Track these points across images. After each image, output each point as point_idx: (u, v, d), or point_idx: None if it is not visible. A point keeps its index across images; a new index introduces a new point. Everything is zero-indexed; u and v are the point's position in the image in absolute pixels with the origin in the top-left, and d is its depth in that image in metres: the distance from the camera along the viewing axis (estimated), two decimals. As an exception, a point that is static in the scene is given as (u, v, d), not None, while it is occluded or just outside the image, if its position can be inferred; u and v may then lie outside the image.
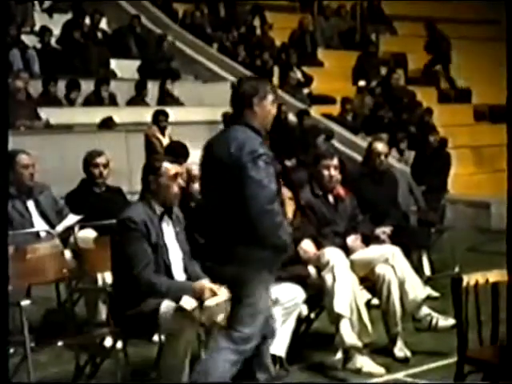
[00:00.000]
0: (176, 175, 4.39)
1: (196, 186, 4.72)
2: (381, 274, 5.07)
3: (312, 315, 5.20)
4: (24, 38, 11.45)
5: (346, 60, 14.26)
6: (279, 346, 4.75)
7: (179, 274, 4.37)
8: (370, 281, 5.13)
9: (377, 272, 5.09)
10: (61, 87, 10.51)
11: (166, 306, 4.12)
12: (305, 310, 5.12)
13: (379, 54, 14.74)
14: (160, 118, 9.77)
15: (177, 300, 4.09)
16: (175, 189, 4.38)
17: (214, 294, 4.15)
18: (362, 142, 11.47)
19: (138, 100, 11.17)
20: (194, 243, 4.54)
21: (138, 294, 4.19)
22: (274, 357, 4.74)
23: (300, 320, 5.02)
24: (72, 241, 5.44)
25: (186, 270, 4.41)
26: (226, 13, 14.11)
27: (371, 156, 6.60)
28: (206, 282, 4.22)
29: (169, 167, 4.38)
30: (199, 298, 4.14)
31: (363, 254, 5.23)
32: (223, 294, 4.15)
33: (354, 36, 15.27)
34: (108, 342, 4.78)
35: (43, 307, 5.32)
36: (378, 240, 5.68)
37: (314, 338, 5.29)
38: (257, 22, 14.26)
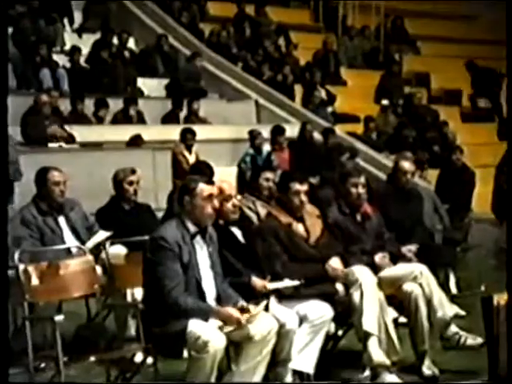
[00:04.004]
0: (211, 196, 4.43)
1: (229, 204, 4.78)
2: (408, 291, 5.08)
3: (340, 332, 5.22)
4: (54, 57, 11.62)
5: (369, 79, 14.34)
6: (307, 362, 4.78)
7: (210, 294, 4.41)
8: (397, 299, 5.15)
9: (404, 290, 5.11)
10: (89, 105, 10.66)
11: (194, 323, 4.18)
12: (332, 327, 5.15)
13: (402, 74, 14.81)
14: (187, 137, 9.90)
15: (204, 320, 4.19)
16: (209, 210, 4.42)
17: (239, 322, 4.22)
18: (385, 160, 11.53)
19: (172, 117, 11.28)
20: (225, 262, 4.61)
21: (167, 313, 4.25)
22: (301, 373, 4.80)
23: (328, 337, 5.05)
24: (103, 257, 5.52)
25: (217, 290, 4.46)
26: (252, 33, 14.24)
27: (397, 174, 6.63)
28: (232, 310, 4.27)
29: (204, 188, 4.41)
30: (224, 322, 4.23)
31: (391, 271, 5.25)
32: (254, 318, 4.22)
33: (378, 56, 15.34)
34: (138, 357, 4.84)
35: (72, 322, 5.37)
36: (404, 258, 5.71)
37: (342, 355, 5.31)
38: (282, 42, 14.38)
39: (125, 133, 10.08)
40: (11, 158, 6.88)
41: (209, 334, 4.12)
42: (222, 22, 14.01)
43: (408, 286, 5.10)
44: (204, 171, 6.67)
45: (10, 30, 11.49)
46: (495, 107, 14.66)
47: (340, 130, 12.18)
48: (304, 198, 5.11)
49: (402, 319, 5.25)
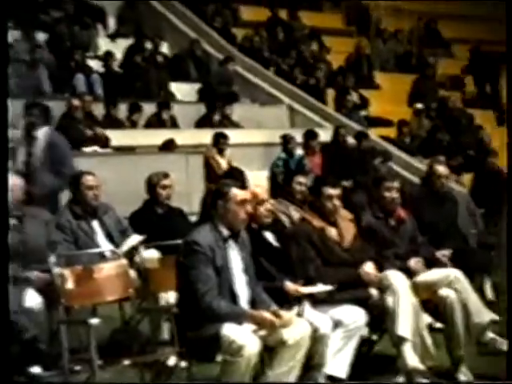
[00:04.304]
0: (244, 201, 4.44)
1: (262, 208, 4.79)
2: (444, 296, 5.05)
3: (374, 337, 5.20)
4: (89, 62, 11.74)
5: (402, 83, 14.28)
6: (340, 367, 4.77)
7: (244, 298, 4.42)
8: (432, 304, 5.12)
9: (440, 295, 5.07)
10: (123, 110, 10.74)
11: (228, 327, 4.18)
12: (366, 332, 5.13)
13: (436, 77, 14.72)
14: (220, 141, 9.93)
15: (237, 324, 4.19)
16: (243, 214, 4.43)
17: (271, 324, 4.22)
18: (419, 164, 11.46)
19: (205, 121, 11.34)
20: (258, 266, 4.61)
21: (200, 317, 4.25)
22: (334, 378, 4.78)
23: (362, 341, 5.02)
24: (137, 260, 5.55)
25: (250, 294, 4.45)
26: (285, 37, 14.25)
27: (432, 178, 6.60)
28: (265, 313, 4.27)
29: (237, 193, 4.43)
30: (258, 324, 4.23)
31: (426, 276, 5.22)
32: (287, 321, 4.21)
33: (411, 59, 15.27)
34: (172, 360, 4.86)
35: (107, 326, 5.42)
36: (439, 263, 5.67)
37: (375, 359, 5.29)
38: (315, 46, 14.37)
39: (158, 137, 10.13)
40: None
41: (244, 337, 4.12)
42: (254, 27, 14.04)
43: (443, 291, 5.07)
44: (237, 177, 6.70)
45: (46, 35, 11.64)
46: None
47: (373, 133, 12.14)
48: (337, 202, 5.11)
49: (438, 324, 5.21)
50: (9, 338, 3.55)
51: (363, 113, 13.10)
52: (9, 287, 4.09)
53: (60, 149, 6.90)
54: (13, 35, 11.29)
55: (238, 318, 4.25)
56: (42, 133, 6.89)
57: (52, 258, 5.09)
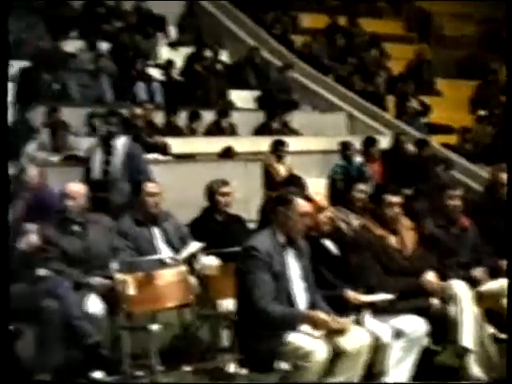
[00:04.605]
0: (306, 213, 4.43)
1: (322, 216, 4.76)
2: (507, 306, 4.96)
3: (435, 348, 5.12)
4: (150, 70, 11.89)
5: (463, 89, 14.08)
6: (400, 377, 4.71)
7: (302, 305, 4.40)
8: (496, 314, 5.02)
9: (504, 305, 4.98)
10: (183, 117, 10.83)
11: (295, 335, 4.16)
12: (427, 342, 5.05)
13: (499, 82, 14.46)
14: (279, 148, 9.92)
15: (293, 328, 4.16)
16: (301, 225, 4.42)
17: (327, 325, 4.19)
18: (481, 171, 11.28)
19: (265, 128, 11.37)
20: (317, 274, 4.58)
21: (258, 324, 4.24)
22: (395, 388, 4.73)
23: (423, 352, 4.95)
24: (197, 267, 5.58)
25: (309, 302, 4.43)
26: (345, 43, 14.19)
27: (496, 186, 6.48)
28: (320, 313, 4.25)
29: (300, 203, 4.42)
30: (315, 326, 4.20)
31: (490, 286, 5.15)
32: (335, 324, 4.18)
33: (472, 65, 15.04)
34: (231, 367, 4.87)
35: (166, 332, 5.48)
36: (502, 272, 5.56)
37: (437, 370, 5.20)
38: (375, 52, 14.27)
39: (217, 144, 10.18)
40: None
41: (312, 344, 4.12)
42: (313, 34, 14.02)
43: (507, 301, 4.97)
44: (296, 184, 6.68)
45: (108, 45, 11.83)
46: None
47: (433, 140, 11.99)
48: (398, 210, 5.05)
49: (502, 335, 5.11)
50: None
51: (424, 119, 12.95)
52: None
53: (138, 158, 7.04)
54: (76, 45, 11.55)
55: (295, 319, 4.24)
56: (120, 143, 6.99)
57: (114, 265, 5.17)
